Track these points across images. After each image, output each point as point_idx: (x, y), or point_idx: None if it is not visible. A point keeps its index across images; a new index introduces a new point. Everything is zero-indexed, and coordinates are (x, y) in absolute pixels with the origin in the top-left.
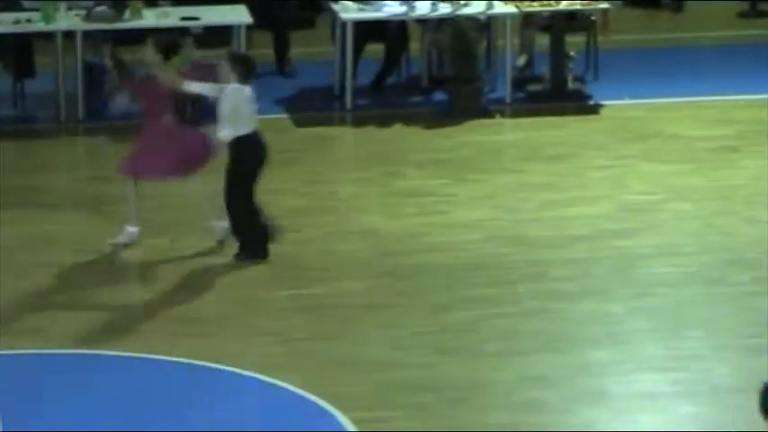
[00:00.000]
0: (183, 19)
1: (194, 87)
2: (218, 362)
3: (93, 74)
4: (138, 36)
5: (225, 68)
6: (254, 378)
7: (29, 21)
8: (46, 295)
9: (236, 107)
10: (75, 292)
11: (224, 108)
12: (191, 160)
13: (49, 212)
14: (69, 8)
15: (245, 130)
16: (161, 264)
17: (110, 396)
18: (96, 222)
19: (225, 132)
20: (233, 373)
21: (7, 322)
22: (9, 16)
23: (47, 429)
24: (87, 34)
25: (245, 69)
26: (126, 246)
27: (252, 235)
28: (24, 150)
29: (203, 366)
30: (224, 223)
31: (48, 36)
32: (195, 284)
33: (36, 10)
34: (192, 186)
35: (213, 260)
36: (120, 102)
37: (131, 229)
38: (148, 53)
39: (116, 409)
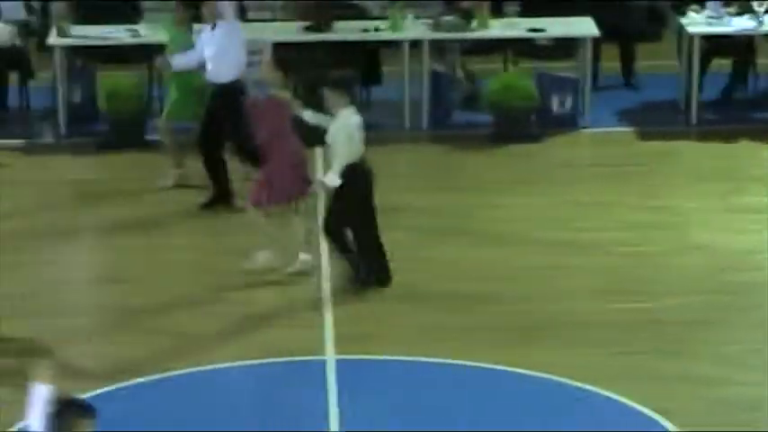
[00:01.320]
0: (530, 30)
1: (309, 117)
2: (547, 372)
3: (439, 83)
4: (486, 46)
5: (332, 96)
6: (587, 389)
7: (377, 29)
8: (376, 303)
9: (351, 134)
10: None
11: (339, 136)
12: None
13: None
14: (417, 17)
15: (355, 157)
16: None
17: (448, 405)
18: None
19: (340, 161)
20: (566, 383)
21: (346, 326)
22: (358, 24)
23: None
24: (434, 43)
25: (350, 91)
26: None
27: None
28: (369, 156)
29: (536, 377)
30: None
31: (395, 44)
32: (529, 293)
33: (384, 18)
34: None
35: (556, 271)
36: None
37: (303, 257)
38: (267, 70)
39: (455, 416)
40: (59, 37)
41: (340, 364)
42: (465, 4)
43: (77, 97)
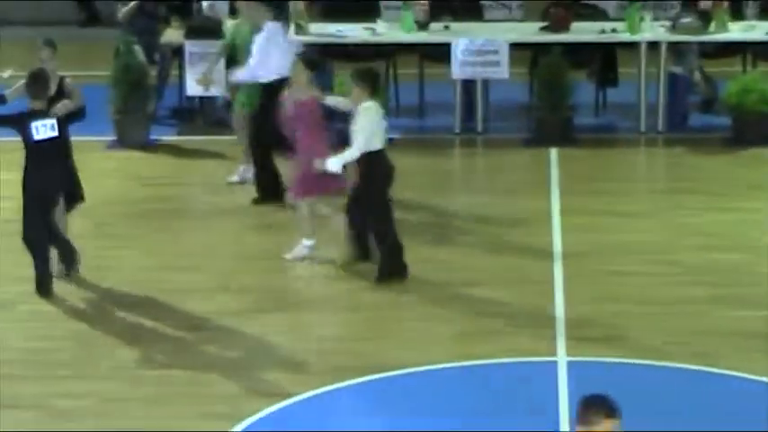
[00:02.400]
0: None
1: (332, 101)
2: None
3: (676, 85)
4: (724, 49)
5: (357, 87)
6: None
7: (614, 30)
8: (609, 304)
9: (374, 123)
10: (650, 302)
11: (362, 125)
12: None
13: (619, 221)
14: (655, 18)
15: (378, 145)
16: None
17: (676, 408)
18: (670, 233)
19: (354, 151)
20: None
21: (578, 328)
22: (596, 25)
23: None
24: (672, 45)
25: (374, 84)
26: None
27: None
28: (603, 159)
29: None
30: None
31: (632, 46)
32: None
33: (622, 20)
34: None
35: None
36: None
37: (306, 242)
38: (298, 71)
39: (690, 423)
40: (298, 34)
41: (571, 365)
42: (704, 5)
43: None
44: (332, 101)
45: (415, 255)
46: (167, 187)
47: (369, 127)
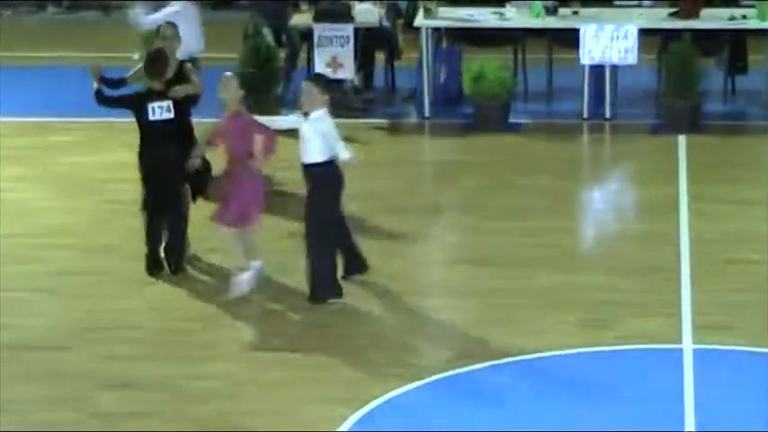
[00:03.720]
0: None
1: (280, 124)
2: None
3: None
4: None
5: (313, 93)
6: None
7: (744, 17)
8: (734, 293)
9: (330, 131)
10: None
11: (323, 132)
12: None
13: (746, 209)
14: None
15: (329, 155)
16: None
17: None
18: None
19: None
20: None
21: (704, 316)
22: (724, 12)
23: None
24: None
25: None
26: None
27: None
28: (732, 146)
29: None
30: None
31: (762, 33)
32: None
33: (752, 6)
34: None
35: None
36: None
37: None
38: (231, 90)
39: None
40: (426, 18)
41: (697, 353)
42: None
43: (442, 79)
44: (283, 123)
45: (540, 239)
46: (294, 170)
47: (326, 134)
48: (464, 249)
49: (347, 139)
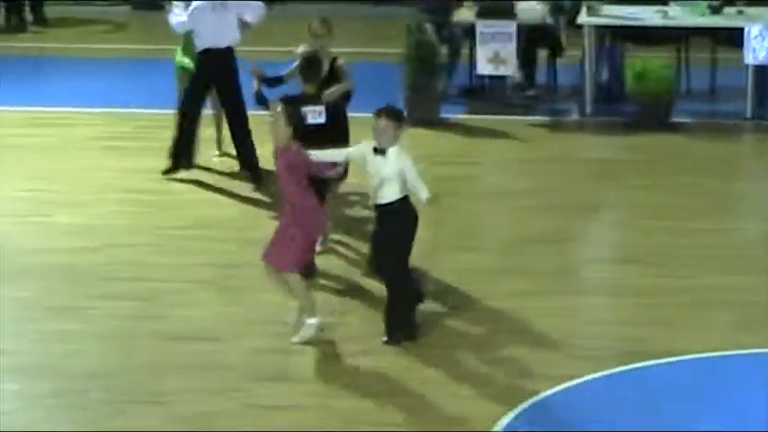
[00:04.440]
0: None
1: (326, 156)
2: None
3: None
4: None
5: (388, 129)
6: None
7: None
8: None
9: (411, 169)
10: None
11: (400, 170)
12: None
13: None
14: None
15: (406, 190)
16: None
17: None
18: None
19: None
20: None
21: None
22: None
23: None
24: None
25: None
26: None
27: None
28: None
29: None
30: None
31: None
32: None
33: None
34: None
35: None
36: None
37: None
38: (281, 126)
39: None
40: (590, 16)
41: None
42: None
43: (604, 76)
44: (325, 155)
45: (699, 239)
46: (455, 166)
47: (413, 169)
48: (622, 248)
49: (505, 135)
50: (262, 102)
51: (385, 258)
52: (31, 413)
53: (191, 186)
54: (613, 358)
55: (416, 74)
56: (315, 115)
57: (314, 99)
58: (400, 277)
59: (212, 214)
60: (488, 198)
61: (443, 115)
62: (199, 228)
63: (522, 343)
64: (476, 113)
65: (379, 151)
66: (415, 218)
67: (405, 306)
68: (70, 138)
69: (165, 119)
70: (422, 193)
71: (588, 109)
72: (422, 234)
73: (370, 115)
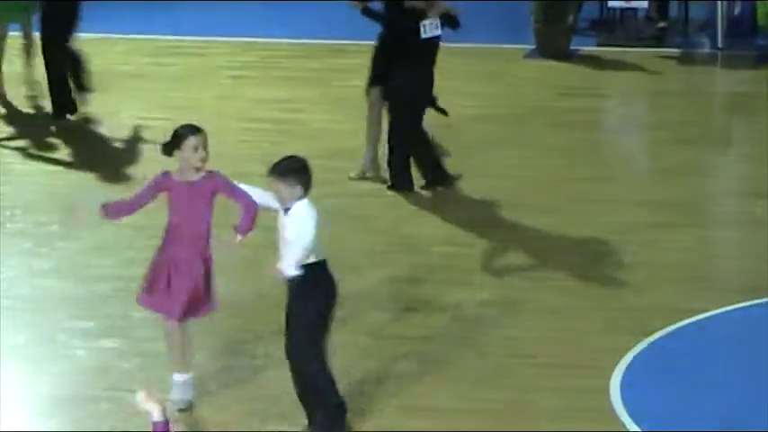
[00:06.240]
0: None
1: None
2: None
3: None
4: None
5: (280, 187)
6: None
7: None
8: None
9: (315, 227)
10: None
11: (305, 230)
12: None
13: None
14: None
15: (320, 255)
16: None
17: None
18: None
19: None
20: None
21: None
22: None
23: None
24: None
25: (309, 179)
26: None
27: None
28: None
29: None
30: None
31: None
32: None
33: None
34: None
35: None
36: None
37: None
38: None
39: None
40: None
41: None
42: None
43: (736, 10)
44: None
45: None
46: (586, 98)
47: (312, 231)
48: (752, 181)
49: (635, 67)
50: (370, 15)
51: (294, 340)
52: None
53: (327, 116)
54: (743, 292)
55: (547, 6)
56: (432, 27)
57: (422, 13)
58: (312, 366)
59: (343, 144)
60: (620, 130)
61: (574, 47)
62: (328, 158)
63: (648, 276)
64: (606, 45)
65: (285, 210)
66: (332, 289)
67: (320, 407)
68: (202, 67)
69: (291, 49)
70: (285, 262)
71: (720, 42)
72: (560, 168)
73: (501, 45)
